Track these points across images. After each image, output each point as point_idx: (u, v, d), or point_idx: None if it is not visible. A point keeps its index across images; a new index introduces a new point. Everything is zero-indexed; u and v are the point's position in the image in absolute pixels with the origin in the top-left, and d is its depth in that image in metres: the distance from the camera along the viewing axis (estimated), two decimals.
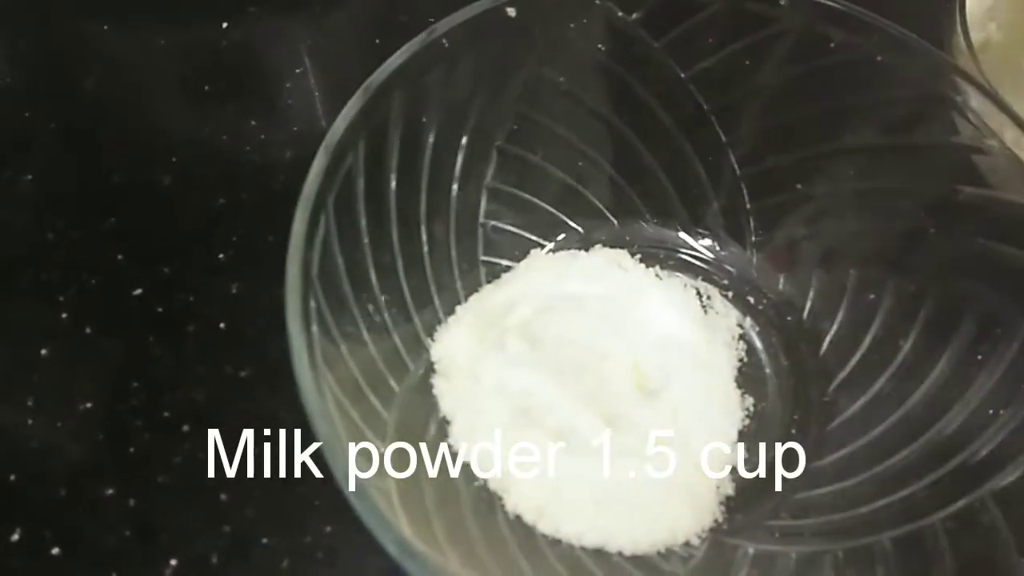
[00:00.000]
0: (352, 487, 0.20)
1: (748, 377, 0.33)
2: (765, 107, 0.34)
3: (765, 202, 0.35)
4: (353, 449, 0.22)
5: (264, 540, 0.29)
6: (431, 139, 0.31)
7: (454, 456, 0.28)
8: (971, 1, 0.36)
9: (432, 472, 0.26)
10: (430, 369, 0.30)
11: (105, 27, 0.43)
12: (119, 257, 0.35)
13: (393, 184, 0.30)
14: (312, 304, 0.24)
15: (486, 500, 0.27)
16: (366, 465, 0.22)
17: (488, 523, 0.27)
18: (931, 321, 0.32)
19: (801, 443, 0.31)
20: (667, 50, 0.33)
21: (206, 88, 0.41)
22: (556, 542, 0.27)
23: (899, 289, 0.33)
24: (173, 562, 0.29)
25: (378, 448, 0.24)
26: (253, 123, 0.40)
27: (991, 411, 0.29)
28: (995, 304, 0.30)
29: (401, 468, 0.25)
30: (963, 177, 0.31)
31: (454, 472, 0.27)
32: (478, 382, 0.29)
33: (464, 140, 0.33)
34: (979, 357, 0.30)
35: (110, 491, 0.30)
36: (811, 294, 0.35)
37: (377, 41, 0.43)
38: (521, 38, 0.32)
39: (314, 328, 0.23)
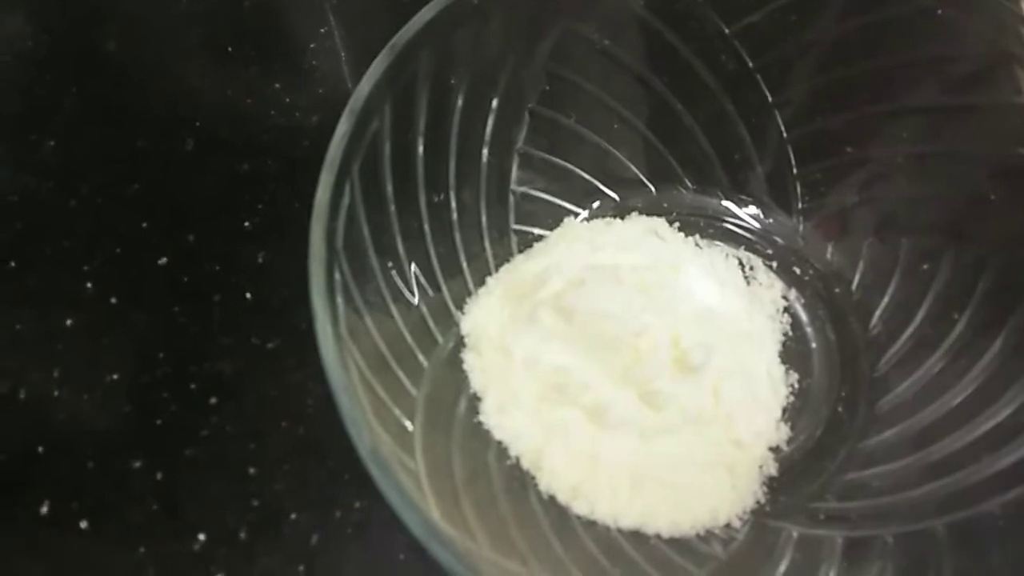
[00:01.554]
0: (376, 465, 0.19)
1: (793, 352, 0.31)
2: (815, 65, 0.32)
3: (813, 167, 0.33)
4: (378, 426, 0.21)
5: (293, 515, 0.29)
6: (460, 101, 0.30)
7: (486, 433, 0.27)
8: None
9: (463, 450, 0.25)
10: (460, 343, 0.29)
11: None
12: (143, 225, 0.35)
13: (421, 149, 0.29)
14: (337, 275, 0.23)
15: (518, 479, 0.26)
16: (392, 442, 0.21)
17: (520, 503, 0.26)
18: (990, 295, 0.30)
19: (848, 422, 0.30)
20: (710, 4, 0.31)
21: (229, 50, 0.40)
22: (591, 523, 0.26)
23: (956, 260, 0.31)
24: (201, 536, 0.28)
25: (406, 424, 0.23)
26: (277, 86, 0.39)
27: None
28: None
29: (430, 445, 0.24)
30: None
31: (486, 450, 0.27)
32: (510, 357, 0.28)
33: (495, 102, 0.31)
34: None
35: (137, 464, 0.30)
36: (861, 265, 0.33)
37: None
38: None
39: (339, 300, 0.22)
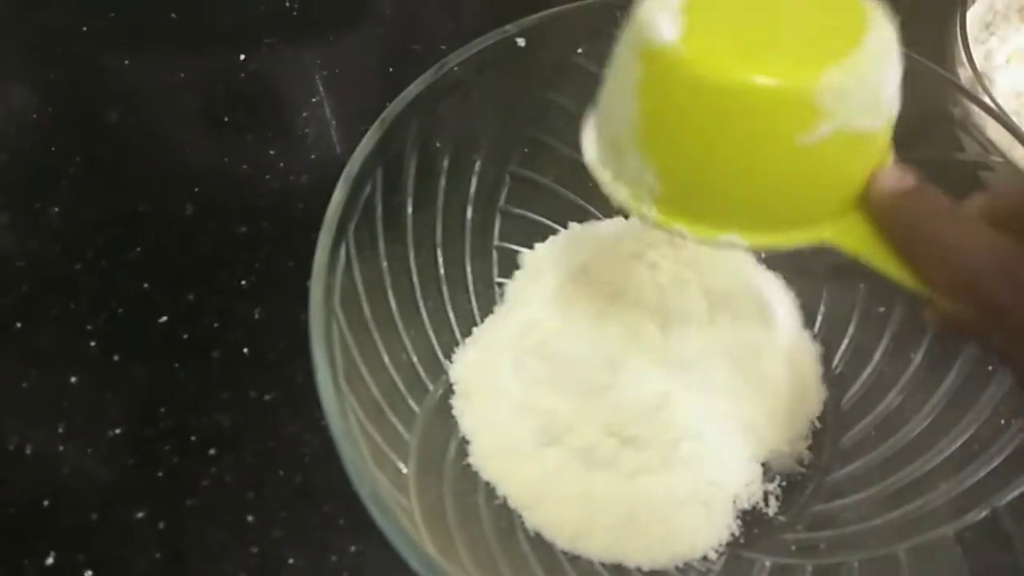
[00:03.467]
0: (377, 507, 0.21)
1: None
2: None
3: None
4: (376, 470, 0.22)
5: (291, 560, 0.30)
6: (445, 165, 0.32)
7: (475, 475, 0.29)
8: (971, 15, 0.36)
9: (454, 491, 0.27)
10: (449, 390, 0.31)
11: (126, 62, 0.44)
12: (145, 285, 0.36)
13: (410, 209, 0.31)
14: (335, 329, 0.25)
15: (506, 518, 0.28)
16: (391, 486, 0.23)
17: (509, 541, 0.27)
18: (940, 335, 0.32)
19: (816, 456, 0.32)
20: None
21: (225, 119, 0.42)
22: (576, 558, 0.28)
23: (909, 302, 0.33)
24: None
25: (402, 469, 0.25)
26: (272, 152, 0.41)
27: (1003, 421, 0.30)
28: None
29: (424, 488, 0.25)
30: (969, 194, 0.32)
31: (475, 491, 0.28)
32: (497, 402, 0.30)
33: (477, 165, 0.34)
34: (989, 368, 0.31)
35: (140, 515, 0.31)
36: (822, 308, 0.35)
37: (390, 69, 0.44)
38: (530, 65, 0.32)
39: (337, 352, 0.24)
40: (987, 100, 0.31)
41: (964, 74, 0.34)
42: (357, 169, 0.28)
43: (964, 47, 0.34)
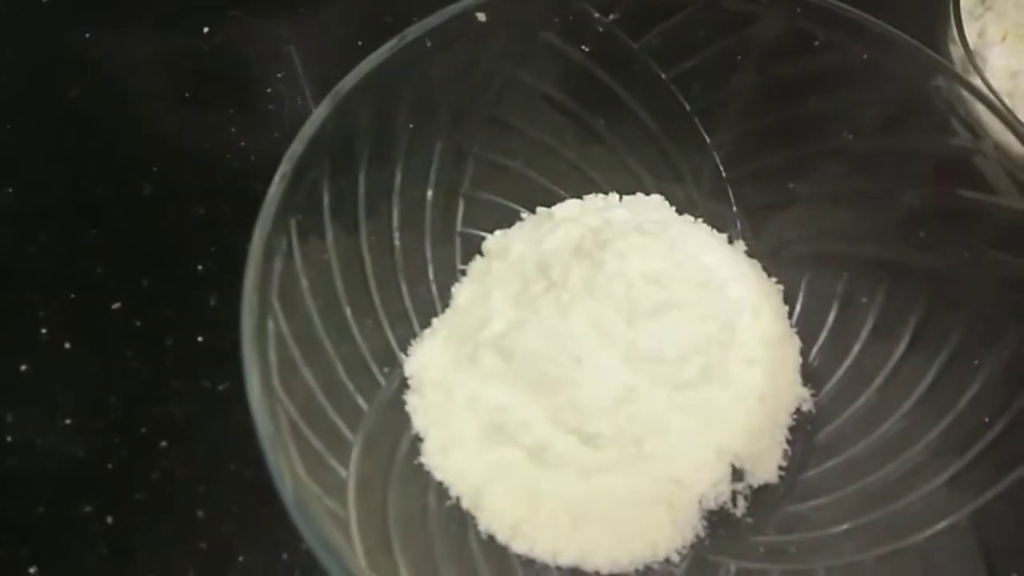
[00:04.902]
0: (300, 515, 0.20)
1: None
2: (750, 107, 0.33)
3: (752, 204, 0.34)
4: (306, 476, 0.21)
5: (241, 557, 0.29)
6: (404, 146, 0.31)
7: (426, 475, 0.28)
8: None
9: (401, 494, 0.26)
10: (403, 384, 0.29)
11: (87, 35, 0.43)
12: (99, 270, 0.35)
13: (362, 192, 0.29)
14: (271, 326, 0.24)
15: (457, 520, 0.27)
16: (322, 492, 0.22)
17: (459, 545, 0.26)
18: (923, 327, 0.31)
19: (787, 455, 0.31)
20: (647, 51, 0.32)
21: (186, 95, 0.41)
22: (530, 562, 0.27)
23: (891, 293, 0.32)
24: None
25: (340, 472, 0.24)
26: (233, 130, 0.39)
27: (986, 419, 0.29)
28: (988, 310, 0.29)
29: (365, 492, 0.24)
30: (957, 180, 0.30)
31: (425, 492, 0.27)
32: (451, 397, 0.29)
33: (438, 146, 0.32)
34: (976, 362, 0.29)
35: (88, 508, 0.30)
36: (800, 298, 0.34)
37: (360, 43, 0.42)
38: (493, 42, 0.31)
39: (271, 352, 0.23)
40: (977, 82, 0.29)
41: (956, 52, 0.32)
42: (302, 149, 0.26)
43: (957, 23, 0.32)
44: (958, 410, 0.29)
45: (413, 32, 0.29)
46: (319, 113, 0.27)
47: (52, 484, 0.31)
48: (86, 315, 0.34)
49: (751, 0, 0.30)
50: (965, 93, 0.28)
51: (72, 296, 0.35)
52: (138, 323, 0.34)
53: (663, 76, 0.33)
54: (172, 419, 0.32)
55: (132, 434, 0.31)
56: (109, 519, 0.30)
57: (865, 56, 0.30)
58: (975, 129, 0.29)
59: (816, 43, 0.30)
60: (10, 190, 0.37)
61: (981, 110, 0.28)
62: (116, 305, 0.34)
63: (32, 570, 0.29)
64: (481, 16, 0.29)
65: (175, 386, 0.32)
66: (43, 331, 0.34)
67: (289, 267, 0.25)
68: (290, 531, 0.29)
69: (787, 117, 0.33)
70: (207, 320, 0.34)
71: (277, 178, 0.25)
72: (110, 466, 0.31)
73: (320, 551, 0.19)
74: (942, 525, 0.26)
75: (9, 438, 0.31)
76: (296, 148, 0.26)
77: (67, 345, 0.33)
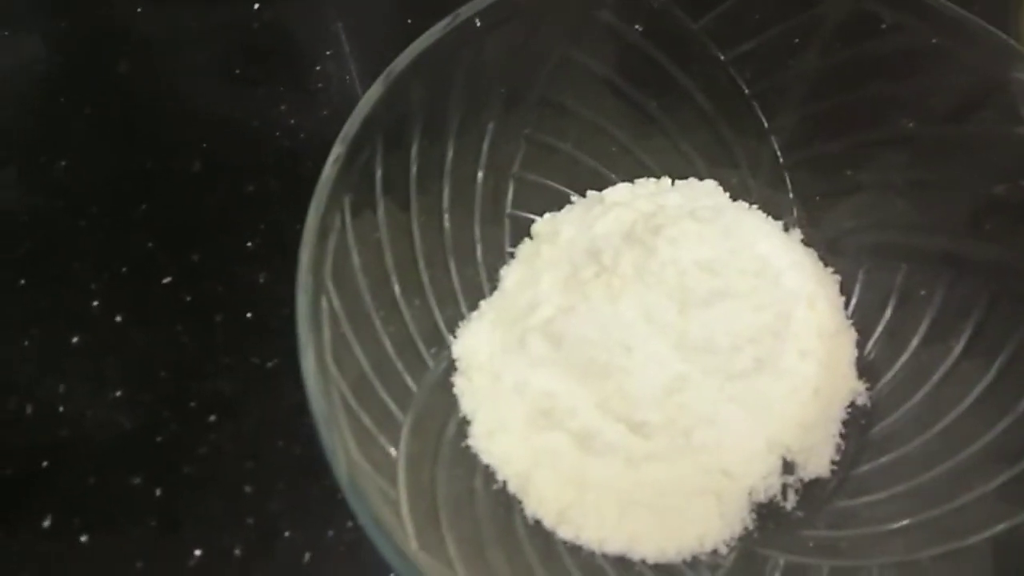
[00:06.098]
0: (354, 495, 0.19)
1: None
2: (811, 91, 0.32)
3: (810, 192, 0.34)
4: (359, 455, 0.21)
5: (287, 533, 0.29)
6: (455, 126, 0.30)
7: (473, 457, 0.27)
8: None
9: (449, 475, 0.26)
10: (451, 366, 0.29)
11: (139, 10, 0.43)
12: (149, 244, 0.36)
13: (414, 171, 0.29)
14: (324, 303, 0.23)
15: (504, 504, 0.27)
16: (374, 471, 0.22)
17: (505, 529, 0.26)
18: (984, 323, 0.30)
19: (842, 448, 0.30)
20: (706, 32, 0.31)
21: (237, 72, 0.41)
22: (576, 548, 0.27)
23: (952, 287, 0.31)
24: (197, 552, 0.29)
25: (390, 452, 0.24)
26: (283, 107, 0.39)
27: None
28: None
29: (414, 472, 0.24)
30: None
31: (472, 475, 0.27)
32: (499, 381, 0.28)
33: (491, 127, 0.32)
34: None
35: (137, 480, 0.30)
36: (857, 289, 0.33)
37: (409, 21, 0.42)
38: (549, 20, 0.30)
39: (325, 329, 0.23)
40: None
41: None
42: (356, 128, 0.26)
43: None
44: (1019, 411, 0.28)
45: (466, 11, 0.29)
46: (372, 93, 0.27)
47: (102, 455, 0.31)
48: (136, 289, 0.35)
49: None
50: None
51: (123, 270, 0.35)
52: (188, 298, 0.34)
53: (721, 57, 0.32)
54: (221, 394, 0.32)
55: (181, 408, 0.32)
56: (158, 491, 0.30)
57: (935, 40, 0.29)
58: None
59: (883, 26, 0.29)
60: (62, 163, 0.38)
61: None
62: (166, 280, 0.35)
63: (83, 539, 0.29)
64: None
65: (224, 362, 0.33)
66: (94, 304, 0.34)
67: (342, 244, 0.25)
68: (336, 508, 0.30)
69: (849, 103, 0.32)
70: (256, 297, 0.34)
71: (331, 159, 0.25)
72: (159, 439, 0.31)
73: (372, 530, 0.19)
74: (1000, 528, 0.26)
75: (61, 408, 0.32)
76: (350, 128, 0.26)
77: (117, 318, 0.34)
